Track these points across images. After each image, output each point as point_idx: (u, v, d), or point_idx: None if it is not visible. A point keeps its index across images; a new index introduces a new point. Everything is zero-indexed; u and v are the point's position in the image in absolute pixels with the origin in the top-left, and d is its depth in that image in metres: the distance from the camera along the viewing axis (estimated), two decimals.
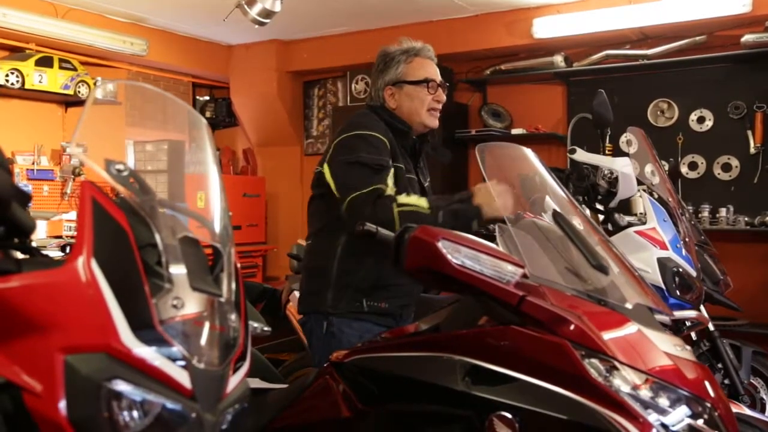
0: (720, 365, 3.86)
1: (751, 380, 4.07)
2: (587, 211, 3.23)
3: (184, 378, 1.12)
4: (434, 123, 2.59)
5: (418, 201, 2.33)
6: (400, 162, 2.46)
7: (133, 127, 1.66)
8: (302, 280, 2.69)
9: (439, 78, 2.60)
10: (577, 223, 1.93)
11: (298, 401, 2.06)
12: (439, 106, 2.60)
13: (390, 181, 2.37)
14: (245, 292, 3.12)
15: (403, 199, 2.33)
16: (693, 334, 3.98)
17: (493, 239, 1.83)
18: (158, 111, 1.53)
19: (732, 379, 3.80)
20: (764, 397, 4.11)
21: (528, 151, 2.11)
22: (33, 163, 5.67)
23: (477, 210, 2.28)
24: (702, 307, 3.77)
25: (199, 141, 1.47)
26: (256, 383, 2.31)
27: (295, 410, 2.05)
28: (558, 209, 1.88)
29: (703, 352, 3.91)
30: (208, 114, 7.55)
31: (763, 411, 4.07)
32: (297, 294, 3.57)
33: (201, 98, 7.59)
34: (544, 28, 5.56)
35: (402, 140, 2.53)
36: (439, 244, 1.56)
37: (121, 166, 1.21)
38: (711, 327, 3.83)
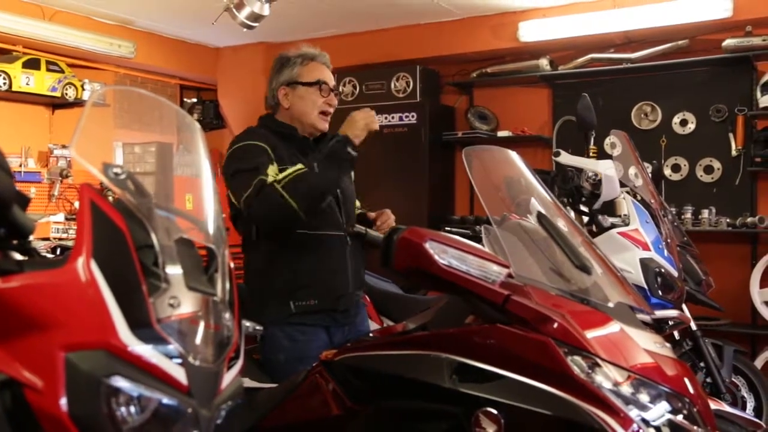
0: (702, 364, 3.92)
1: (733, 379, 4.14)
2: (572, 213, 3.28)
3: (180, 374, 1.15)
4: (324, 126, 2.68)
5: (293, 168, 2.42)
6: (286, 164, 2.51)
7: (125, 130, 1.69)
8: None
9: (332, 83, 2.70)
10: (561, 224, 1.98)
11: (288, 400, 2.09)
12: (331, 110, 2.69)
13: (272, 171, 2.43)
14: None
15: (280, 176, 2.40)
16: (676, 334, 4.04)
17: (479, 240, 1.88)
18: (152, 115, 1.56)
19: (714, 378, 3.87)
20: (745, 395, 4.19)
21: (513, 155, 2.16)
22: (20, 165, 5.66)
23: (345, 139, 2.42)
24: (684, 307, 3.84)
25: (193, 144, 1.51)
26: (246, 383, 2.34)
27: (285, 409, 2.09)
28: (542, 211, 1.93)
29: (686, 351, 3.97)
30: (195, 116, 7.55)
31: (744, 409, 4.14)
32: None
33: (188, 100, 7.61)
34: (529, 32, 5.61)
35: (290, 142, 2.61)
36: (427, 245, 1.60)
37: (118, 169, 1.24)
38: (693, 326, 3.90)
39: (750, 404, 4.18)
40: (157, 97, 1.53)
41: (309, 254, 2.51)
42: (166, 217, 1.32)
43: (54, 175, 5.72)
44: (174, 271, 1.22)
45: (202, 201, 1.46)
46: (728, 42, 5.00)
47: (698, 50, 5.28)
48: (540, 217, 1.89)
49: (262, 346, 2.59)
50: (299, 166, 2.41)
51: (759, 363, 4.69)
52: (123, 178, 1.24)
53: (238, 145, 2.55)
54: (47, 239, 5.09)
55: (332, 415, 1.93)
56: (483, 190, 1.95)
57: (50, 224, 5.38)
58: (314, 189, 2.40)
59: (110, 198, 1.27)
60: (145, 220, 1.23)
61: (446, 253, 1.61)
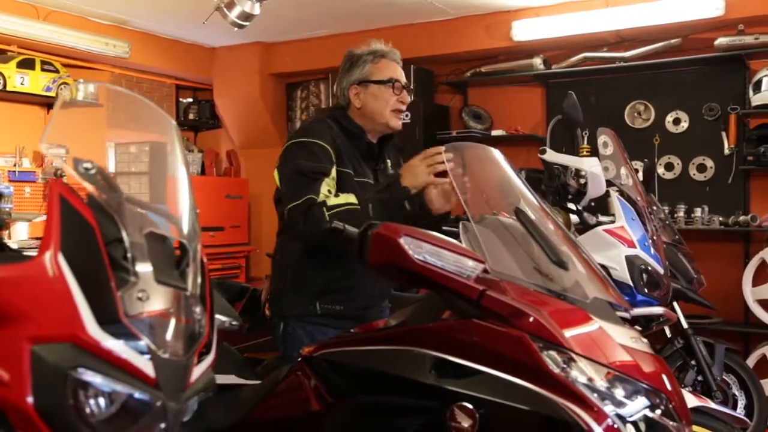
0: (693, 362, 3.93)
1: (724, 377, 4.15)
2: (561, 215, 3.29)
3: (147, 367, 1.16)
4: (398, 124, 2.62)
5: (347, 198, 2.35)
6: (348, 167, 2.49)
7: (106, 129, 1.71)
8: (270, 283, 2.74)
9: (404, 80, 2.64)
10: (541, 220, 1.98)
11: (271, 396, 2.10)
12: (404, 107, 2.63)
13: (325, 188, 2.38)
14: (223, 290, 3.17)
15: (332, 201, 2.35)
16: (668, 332, 4.06)
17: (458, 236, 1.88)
18: (128, 112, 1.57)
19: (705, 376, 3.88)
20: (736, 393, 4.19)
21: (494, 151, 2.16)
22: (15, 165, 5.68)
23: (406, 191, 2.30)
24: (676, 305, 3.85)
25: (168, 141, 1.51)
26: (231, 379, 2.35)
27: (268, 405, 2.09)
28: (521, 206, 1.93)
29: (677, 349, 3.98)
30: (191, 116, 7.57)
31: (735, 407, 4.15)
32: None
33: (184, 100, 7.61)
34: (523, 31, 5.62)
35: (356, 144, 2.57)
36: (401, 240, 1.60)
37: (88, 165, 1.25)
38: (685, 325, 3.91)
39: (741, 402, 4.19)
40: (133, 93, 1.54)
41: (345, 260, 2.45)
42: (138, 212, 1.33)
43: (49, 175, 5.73)
44: (143, 264, 1.24)
45: (177, 197, 1.47)
46: (720, 41, 5.01)
47: (691, 49, 5.29)
48: (518, 212, 1.90)
49: (282, 341, 2.58)
50: (353, 199, 2.34)
51: (751, 361, 4.70)
52: (93, 172, 1.25)
53: (303, 140, 2.49)
54: (41, 238, 5.10)
55: (313, 410, 1.94)
56: (462, 187, 1.96)
57: (44, 224, 5.39)
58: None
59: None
60: (114, 214, 1.24)
61: (421, 248, 1.61)
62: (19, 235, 5.39)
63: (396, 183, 2.33)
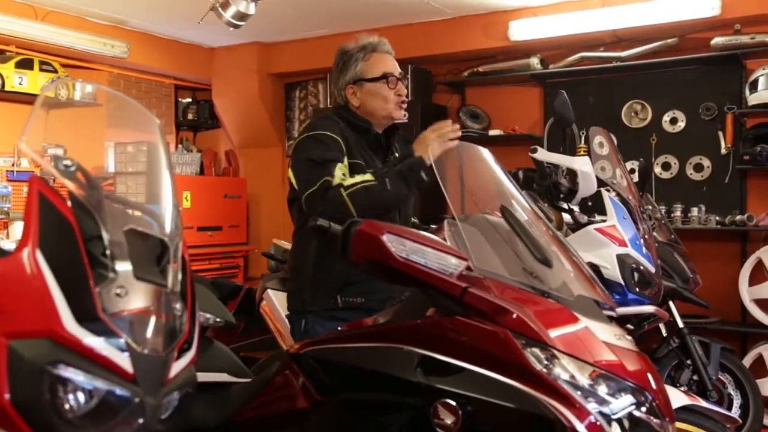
0: (689, 362, 3.94)
1: (720, 376, 4.15)
2: (553, 214, 3.28)
3: (125, 362, 1.17)
4: (400, 115, 2.62)
5: (363, 177, 2.39)
6: (358, 159, 2.50)
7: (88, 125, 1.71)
8: (288, 280, 2.74)
9: (398, 71, 2.63)
10: (528, 219, 1.98)
11: (260, 394, 2.11)
12: (402, 98, 2.62)
13: (339, 171, 2.40)
14: (216, 289, 3.16)
15: (348, 181, 2.38)
16: (663, 331, 4.06)
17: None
18: (112, 111, 1.58)
19: (701, 375, 3.89)
20: (732, 393, 4.19)
21: (482, 150, 2.17)
22: (13, 165, 5.70)
23: (422, 162, 2.37)
24: (672, 305, 3.86)
25: (152, 138, 1.52)
26: (222, 377, 2.36)
27: (257, 403, 2.10)
28: (507, 205, 1.94)
29: (673, 348, 3.99)
30: (190, 116, 7.59)
31: (730, 407, 4.15)
32: (271, 293, 3.62)
33: (183, 100, 7.63)
34: (520, 31, 5.63)
35: (364, 137, 2.58)
36: (384, 238, 1.61)
37: (68, 162, 1.26)
38: (681, 324, 3.92)
39: (737, 402, 4.19)
40: (117, 92, 1.55)
41: None
42: (118, 209, 1.34)
43: (46, 175, 5.74)
44: (122, 261, 1.24)
45: (160, 194, 1.48)
46: (717, 40, 5.01)
47: (687, 48, 5.28)
48: (503, 210, 1.90)
49: (302, 338, 2.55)
50: (368, 176, 2.39)
51: (748, 361, 4.70)
52: (72, 170, 1.26)
53: (314, 133, 2.51)
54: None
55: (301, 408, 1.94)
56: (449, 186, 1.96)
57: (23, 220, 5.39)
58: (379, 203, 2.39)
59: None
60: (94, 211, 1.25)
61: (404, 245, 1.61)
62: (17, 234, 5.40)
63: (411, 156, 2.40)
